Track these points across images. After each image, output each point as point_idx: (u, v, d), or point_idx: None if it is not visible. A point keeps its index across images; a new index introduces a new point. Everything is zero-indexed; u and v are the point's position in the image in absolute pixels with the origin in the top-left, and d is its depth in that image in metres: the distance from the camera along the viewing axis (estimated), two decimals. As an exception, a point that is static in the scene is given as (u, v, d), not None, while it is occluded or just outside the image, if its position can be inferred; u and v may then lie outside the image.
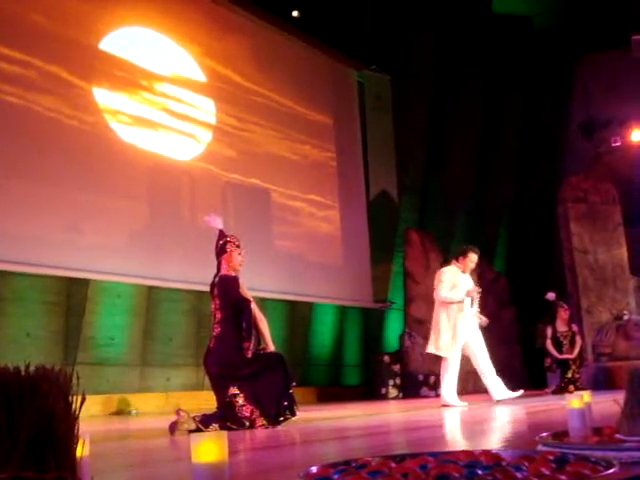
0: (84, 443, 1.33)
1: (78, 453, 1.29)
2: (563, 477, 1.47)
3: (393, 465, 1.69)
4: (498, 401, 6.49)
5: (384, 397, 10.41)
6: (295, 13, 10.80)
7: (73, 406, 1.28)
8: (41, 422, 1.18)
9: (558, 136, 13.13)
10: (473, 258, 6.78)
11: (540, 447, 2.10)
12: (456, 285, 6.62)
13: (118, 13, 8.65)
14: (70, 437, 1.24)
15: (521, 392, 6.65)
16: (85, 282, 7.94)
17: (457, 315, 6.59)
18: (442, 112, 12.50)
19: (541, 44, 13.01)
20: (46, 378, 1.22)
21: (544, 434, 2.25)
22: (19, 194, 7.26)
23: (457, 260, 6.80)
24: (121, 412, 7.86)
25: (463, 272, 6.74)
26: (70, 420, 1.24)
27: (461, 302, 6.57)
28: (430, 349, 6.71)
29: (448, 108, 12.56)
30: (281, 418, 4.58)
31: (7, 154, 7.25)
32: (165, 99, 9.00)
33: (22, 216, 7.25)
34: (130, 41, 8.74)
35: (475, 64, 12.61)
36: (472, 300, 6.61)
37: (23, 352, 7.12)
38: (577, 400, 2.27)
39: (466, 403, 6.46)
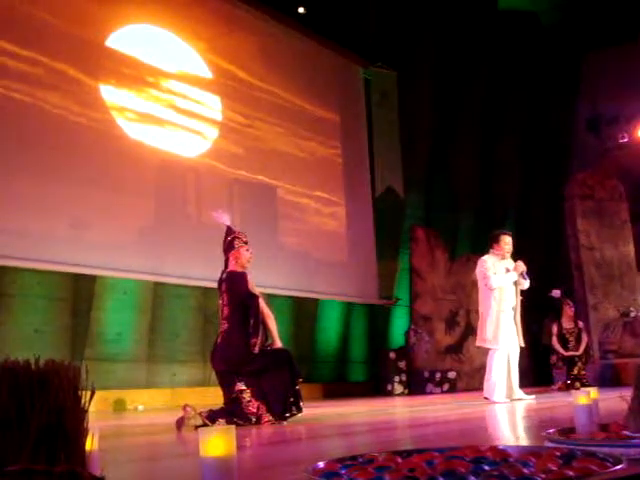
0: (93, 437, 1.34)
1: (87, 447, 1.30)
2: (570, 473, 1.48)
3: (400, 460, 1.70)
4: (516, 399, 6.45)
5: (390, 393, 10.42)
6: (301, 10, 10.79)
7: (82, 400, 1.29)
8: (51, 416, 1.19)
9: (565, 132, 13.10)
10: (507, 240, 6.68)
11: (547, 443, 2.10)
12: (498, 273, 6.52)
13: (125, 11, 8.66)
14: (80, 431, 1.25)
15: (533, 397, 6.61)
16: (92, 278, 7.97)
17: (505, 305, 6.50)
18: (448, 108, 12.48)
19: (547, 40, 12.97)
20: (56, 372, 1.23)
21: (551, 430, 2.25)
22: (26, 191, 7.29)
23: (492, 248, 6.70)
24: (127, 407, 7.89)
25: (502, 258, 6.64)
26: (80, 414, 1.25)
27: (512, 284, 6.48)
28: (479, 342, 6.58)
29: (454, 104, 12.54)
30: (287, 414, 4.59)
31: (14, 151, 7.28)
32: (172, 96, 9.01)
33: (29, 213, 7.27)
34: (137, 38, 8.76)
35: (480, 60, 12.59)
36: (522, 275, 6.53)
37: (31, 348, 7.15)
38: (584, 396, 2.27)
39: (508, 400, 6.37)
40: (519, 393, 6.54)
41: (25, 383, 1.19)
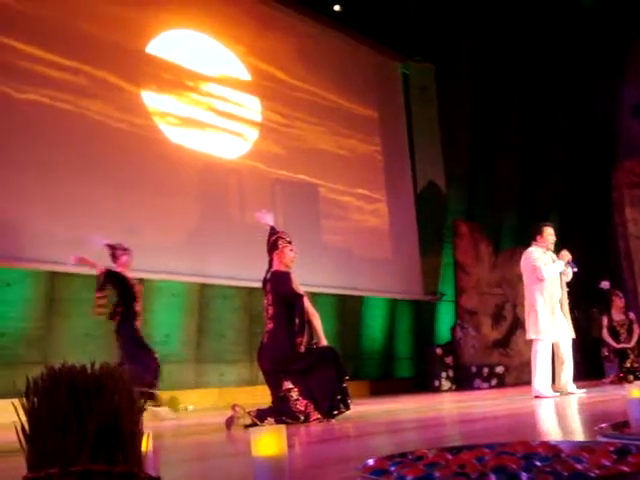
0: (149, 438, 1.38)
1: (143, 448, 1.34)
2: (625, 468, 1.45)
3: (449, 457, 1.69)
4: (569, 393, 6.35)
5: (437, 389, 10.36)
6: (337, 7, 10.79)
7: (137, 402, 1.32)
8: (108, 418, 1.22)
9: (610, 120, 12.81)
10: (550, 231, 6.61)
11: (600, 438, 2.07)
12: (547, 264, 6.46)
13: (163, 17, 8.79)
14: (135, 432, 1.29)
15: (583, 391, 6.49)
16: (139, 281, 8.11)
17: (554, 296, 6.43)
18: (488, 100, 12.32)
19: (590, 25, 12.69)
20: (111, 375, 1.27)
21: (603, 425, 2.22)
22: (73, 198, 7.46)
23: (536, 241, 6.63)
24: (177, 408, 8.01)
25: (547, 250, 6.57)
26: (135, 415, 1.29)
27: (558, 276, 6.42)
28: (531, 335, 6.49)
29: (494, 96, 12.38)
30: (335, 412, 4.60)
31: (61, 160, 7.45)
32: (211, 99, 9.12)
33: (76, 218, 7.44)
34: (175, 44, 8.88)
35: (521, 49, 12.39)
36: (569, 263, 6.46)
37: (82, 351, 7.32)
38: (638, 390, 2.22)
39: (558, 393, 6.27)
40: (571, 387, 6.43)
41: (82, 387, 1.22)
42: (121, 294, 6.08)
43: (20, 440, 1.26)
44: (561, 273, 6.55)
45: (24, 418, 1.27)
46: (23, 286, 7.28)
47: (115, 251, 5.26)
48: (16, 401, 1.33)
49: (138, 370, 4.66)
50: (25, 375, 1.32)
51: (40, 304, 7.40)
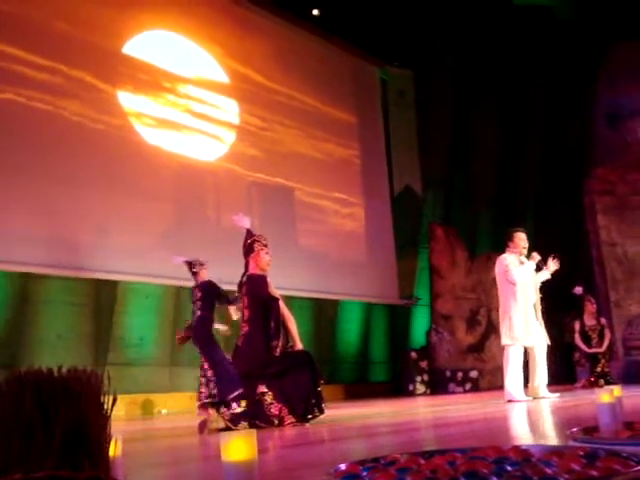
0: (117, 442, 1.36)
1: (111, 452, 1.32)
2: (594, 473, 1.46)
3: (422, 461, 1.70)
4: (542, 397, 6.39)
5: (412, 393, 10.39)
6: (315, 11, 10.80)
7: (105, 406, 1.30)
8: (74, 422, 1.20)
9: (584, 128, 12.96)
10: (521, 236, 6.66)
11: (570, 442, 2.08)
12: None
13: (140, 17, 8.73)
14: (103, 437, 1.27)
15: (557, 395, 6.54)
16: (113, 283, 8.04)
17: (527, 302, 6.47)
18: (465, 106, 12.41)
19: (564, 35, 12.85)
20: (78, 379, 1.25)
21: (574, 429, 2.24)
22: (47, 198, 7.37)
23: (508, 247, 6.69)
24: (151, 411, 7.94)
25: (520, 255, 6.62)
26: (102, 420, 1.27)
27: (532, 281, 6.46)
28: (505, 341, 6.51)
29: (471, 101, 12.48)
30: (309, 416, 4.59)
31: (35, 158, 7.36)
32: (188, 101, 9.07)
33: (50, 219, 7.35)
34: (152, 44, 8.82)
35: (497, 57, 12.50)
36: (542, 262, 6.51)
37: (54, 353, 7.23)
38: (607, 394, 2.24)
39: (531, 397, 6.31)
40: (544, 391, 6.49)
41: (48, 391, 1.20)
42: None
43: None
44: (535, 279, 6.60)
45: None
46: (-6, 287, 7.17)
47: (194, 267, 5.18)
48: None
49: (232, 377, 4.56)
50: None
51: (10, 305, 7.29)
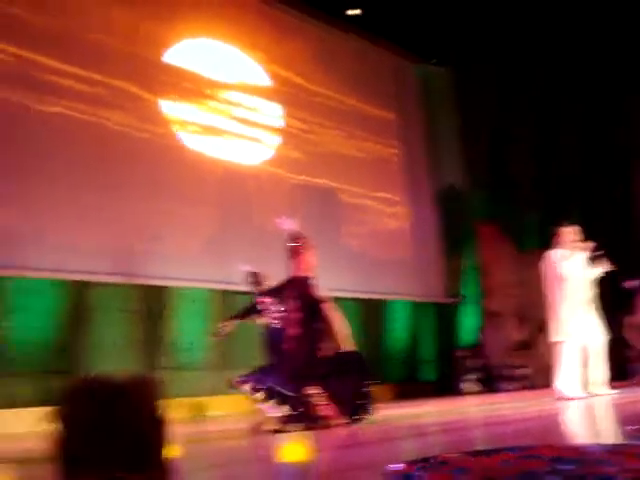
0: (173, 445, 1.39)
1: (168, 455, 1.35)
2: (652, 470, 1.43)
3: (474, 461, 1.69)
4: (599, 394, 6.25)
5: (461, 392, 10.29)
6: (352, 11, 10.80)
7: (162, 410, 1.33)
8: (133, 427, 1.24)
9: (629, 116, 12.64)
10: (567, 231, 6.54)
11: (628, 440, 2.05)
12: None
13: (180, 26, 8.86)
14: (161, 440, 1.30)
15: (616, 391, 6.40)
16: (162, 289, 8.18)
17: (577, 297, 6.35)
18: (507, 100, 12.24)
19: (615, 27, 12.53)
20: (136, 384, 1.28)
21: (631, 427, 2.19)
22: (97, 207, 7.54)
23: (555, 243, 6.57)
24: (203, 414, 8.04)
25: (567, 250, 6.48)
26: (160, 424, 1.30)
27: (583, 276, 6.33)
28: (554, 337, 6.40)
29: (512, 96, 12.30)
30: (358, 416, 4.60)
31: (82, 169, 7.53)
32: (230, 106, 9.17)
33: (100, 228, 7.51)
34: (193, 52, 8.94)
35: (538, 52, 12.28)
36: (594, 255, 6.37)
37: (109, 359, 7.39)
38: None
39: (584, 395, 6.18)
40: (602, 389, 6.33)
41: (109, 397, 1.24)
42: None
43: (52, 449, 1.28)
44: (587, 273, 6.47)
45: (55, 427, 1.29)
46: (49, 296, 7.36)
47: (258, 278, 5.28)
48: (45, 410, 1.35)
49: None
50: (54, 384, 1.34)
51: (66, 313, 7.48)
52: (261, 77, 9.66)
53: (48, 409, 1.34)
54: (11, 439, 5.85)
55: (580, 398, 6.04)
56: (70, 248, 7.16)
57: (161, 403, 1.36)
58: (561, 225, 6.68)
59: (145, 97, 8.27)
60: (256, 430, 4.44)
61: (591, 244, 6.43)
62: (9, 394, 6.87)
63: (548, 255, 6.54)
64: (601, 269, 6.49)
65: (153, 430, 1.28)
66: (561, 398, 6.06)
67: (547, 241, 6.96)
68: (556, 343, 6.38)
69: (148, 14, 8.50)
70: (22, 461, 3.42)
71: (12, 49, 7.25)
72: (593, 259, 6.45)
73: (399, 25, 11.14)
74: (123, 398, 1.26)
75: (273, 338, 5.11)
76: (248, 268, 5.33)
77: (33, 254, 6.96)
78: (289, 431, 4.28)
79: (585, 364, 6.38)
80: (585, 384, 6.34)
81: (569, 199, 12.69)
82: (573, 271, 6.38)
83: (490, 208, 12.13)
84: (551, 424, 3.91)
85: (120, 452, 1.21)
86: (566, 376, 6.19)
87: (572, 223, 6.84)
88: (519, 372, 10.57)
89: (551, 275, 6.48)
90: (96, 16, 8.06)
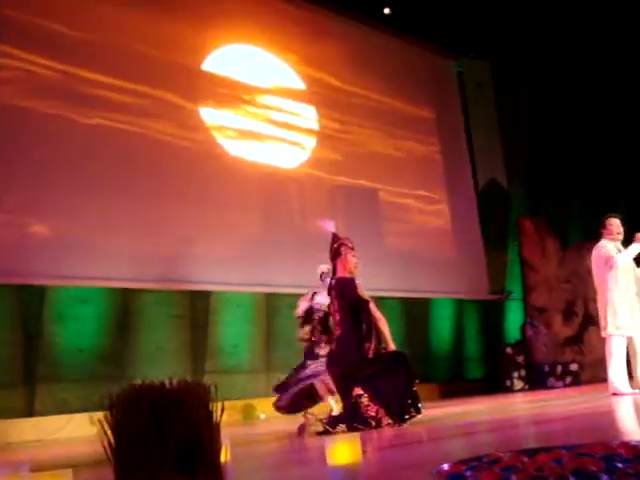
0: (226, 448, 1.42)
1: (222, 458, 1.37)
2: None
3: (526, 460, 1.67)
4: None
5: (509, 390, 10.17)
6: (387, 10, 10.77)
7: (214, 414, 1.36)
8: (187, 431, 1.27)
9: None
10: (614, 222, 6.40)
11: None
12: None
13: (216, 34, 8.96)
14: (214, 443, 1.33)
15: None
16: (207, 294, 8.28)
17: (630, 290, 6.22)
18: (546, 93, 12.06)
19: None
20: (188, 390, 1.31)
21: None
22: (140, 216, 7.68)
23: (602, 234, 6.45)
24: (251, 416, 8.11)
25: (615, 241, 6.37)
26: (213, 428, 1.33)
27: (632, 270, 6.21)
28: (610, 330, 6.27)
29: (552, 88, 12.11)
30: (406, 416, 4.58)
31: (126, 179, 7.68)
32: (268, 110, 9.23)
33: (145, 235, 7.66)
34: (229, 59, 9.04)
35: (577, 43, 12.07)
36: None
37: (155, 364, 7.52)
38: None
39: (637, 390, 6.05)
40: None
41: (162, 402, 1.27)
42: None
43: (107, 453, 1.31)
44: (634, 267, 6.33)
45: (109, 432, 1.33)
46: (97, 303, 7.53)
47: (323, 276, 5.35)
48: (100, 415, 1.39)
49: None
50: (103, 390, 1.38)
51: (114, 320, 7.64)
52: (296, 80, 9.71)
53: (99, 415, 1.38)
54: (62, 444, 6.00)
55: (633, 393, 5.91)
56: (117, 256, 7.31)
57: (212, 407, 1.39)
58: (607, 216, 6.55)
59: (185, 105, 8.39)
60: (304, 431, 4.47)
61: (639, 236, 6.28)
62: (60, 400, 7.05)
63: (598, 247, 6.40)
64: None
65: (205, 434, 1.31)
66: (616, 394, 5.94)
67: (591, 234, 6.83)
68: (608, 337, 6.24)
69: (184, 24, 8.63)
70: (75, 466, 3.50)
71: (56, 65, 7.44)
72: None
73: (434, 21, 11.06)
74: (176, 403, 1.29)
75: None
76: (324, 268, 5.35)
77: (81, 263, 7.12)
78: (337, 432, 4.29)
79: (636, 357, 6.23)
80: (636, 378, 6.20)
81: (613, 190, 12.44)
82: (625, 261, 6.24)
83: (533, 202, 11.97)
84: (603, 421, 3.84)
85: (173, 456, 1.24)
86: (619, 371, 6.06)
87: (617, 213, 6.70)
88: (568, 368, 10.40)
89: (601, 267, 6.34)
90: (135, 27, 8.21)
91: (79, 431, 6.61)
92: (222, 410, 1.38)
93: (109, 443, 1.31)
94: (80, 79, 7.57)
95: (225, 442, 1.44)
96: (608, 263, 6.21)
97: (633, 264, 6.38)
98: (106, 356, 7.45)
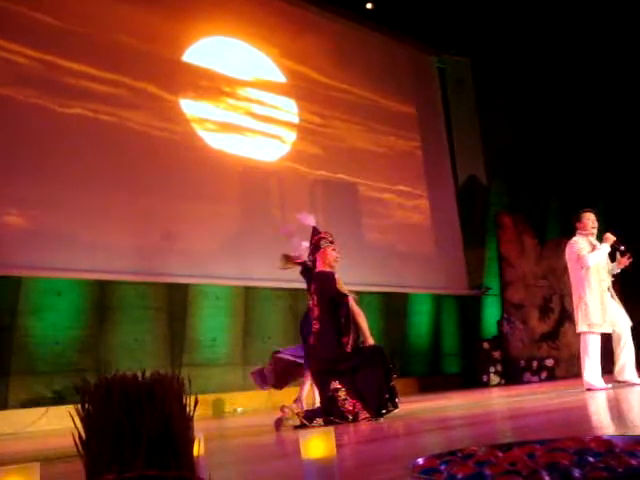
0: (200, 442, 1.40)
1: (195, 452, 1.36)
2: (682, 462, 1.42)
3: (500, 454, 1.68)
4: (629, 382, 6.18)
5: (486, 385, 10.25)
6: (369, 5, 10.76)
7: (187, 407, 1.35)
8: (160, 424, 1.25)
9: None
10: (590, 217, 6.45)
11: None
12: (589, 252, 6.31)
13: (197, 25, 8.90)
14: (187, 437, 1.31)
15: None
16: (185, 287, 8.24)
17: (602, 285, 6.29)
18: (526, 89, 12.13)
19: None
20: (161, 382, 1.29)
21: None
22: (119, 207, 7.61)
23: (577, 229, 6.50)
24: (226, 410, 8.10)
25: (590, 236, 6.42)
26: (186, 421, 1.32)
27: (605, 265, 6.28)
28: (582, 328, 6.33)
29: (532, 85, 12.18)
30: (384, 410, 4.59)
31: (105, 170, 7.61)
32: (248, 103, 9.19)
33: (122, 227, 7.59)
34: (211, 51, 8.98)
35: (557, 38, 12.15)
36: (616, 244, 6.31)
37: (132, 357, 7.47)
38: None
39: (610, 385, 6.12)
40: (631, 375, 6.24)
41: (134, 395, 1.26)
42: None
43: (77, 446, 1.30)
44: (608, 261, 6.41)
45: (80, 425, 1.31)
46: (74, 295, 7.46)
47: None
48: (72, 408, 1.37)
49: None
50: (79, 382, 1.36)
51: (91, 312, 7.57)
52: (277, 73, 9.67)
53: (73, 407, 1.36)
54: (36, 437, 5.95)
55: (606, 388, 5.98)
56: (94, 248, 7.24)
57: (185, 400, 1.38)
58: (583, 210, 6.60)
59: (165, 97, 8.33)
60: (280, 425, 4.46)
61: (611, 236, 6.35)
62: (35, 393, 6.98)
63: (572, 242, 6.46)
64: (618, 267, 6.41)
65: (178, 427, 1.29)
66: (590, 389, 6.01)
67: (569, 231, 6.88)
68: (582, 333, 6.31)
69: (166, 15, 8.56)
70: (47, 459, 3.47)
71: (34, 53, 7.34)
72: (615, 245, 6.37)
73: (415, 17, 11.07)
74: (148, 396, 1.27)
75: (303, 330, 5.16)
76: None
77: (57, 255, 7.05)
78: (314, 426, 4.29)
79: (616, 352, 6.31)
80: (616, 371, 6.28)
81: (592, 187, 12.55)
82: (597, 259, 6.30)
83: (512, 199, 12.05)
84: (576, 416, 3.88)
85: (145, 449, 1.22)
86: (594, 367, 6.13)
87: (592, 208, 6.75)
88: (544, 363, 10.50)
89: (575, 264, 6.41)
90: (115, 19, 8.13)
91: (54, 424, 6.55)
92: (196, 403, 1.36)
93: (80, 436, 1.30)
94: (60, 69, 7.49)
95: (199, 436, 1.43)
96: (582, 262, 6.27)
97: (607, 258, 6.44)
98: (83, 349, 7.39)
